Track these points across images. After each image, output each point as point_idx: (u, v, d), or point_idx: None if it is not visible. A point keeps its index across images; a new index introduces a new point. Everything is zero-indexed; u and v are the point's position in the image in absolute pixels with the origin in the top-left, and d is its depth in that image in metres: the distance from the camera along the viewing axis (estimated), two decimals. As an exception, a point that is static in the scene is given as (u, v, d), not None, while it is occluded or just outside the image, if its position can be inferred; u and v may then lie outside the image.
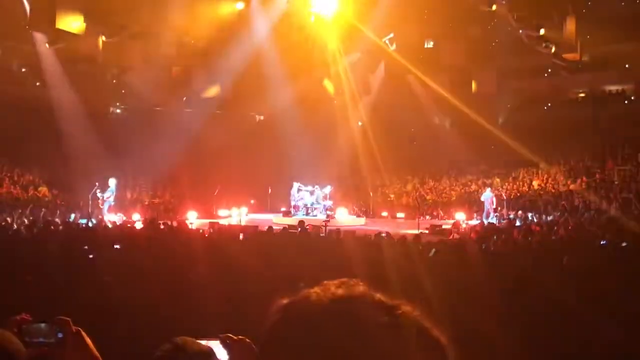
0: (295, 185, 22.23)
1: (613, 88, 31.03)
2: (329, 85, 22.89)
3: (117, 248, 8.27)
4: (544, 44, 18.90)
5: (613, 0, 27.11)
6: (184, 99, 24.50)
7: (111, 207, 18.16)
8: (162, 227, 11.68)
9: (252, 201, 21.70)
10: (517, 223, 16.98)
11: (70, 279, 5.63)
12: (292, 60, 24.63)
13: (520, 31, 17.85)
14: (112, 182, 18.37)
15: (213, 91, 23.76)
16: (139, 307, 5.07)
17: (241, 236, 9.70)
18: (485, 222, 18.79)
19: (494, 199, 20.69)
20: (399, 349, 0.85)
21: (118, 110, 32.33)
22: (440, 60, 23.65)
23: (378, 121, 34.42)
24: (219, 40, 22.08)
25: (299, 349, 0.86)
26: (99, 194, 17.83)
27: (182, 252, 7.45)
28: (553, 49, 19.19)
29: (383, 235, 11.05)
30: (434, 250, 8.76)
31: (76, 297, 5.13)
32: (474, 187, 24.88)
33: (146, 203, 21.19)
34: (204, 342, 1.78)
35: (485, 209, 20.73)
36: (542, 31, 17.17)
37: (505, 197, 20.54)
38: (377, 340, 0.85)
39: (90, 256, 6.88)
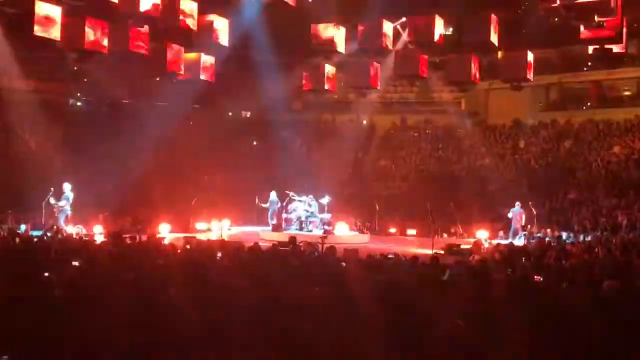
0: (273, 194, 22.21)
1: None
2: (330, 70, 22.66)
3: (75, 265, 8.27)
4: (582, 16, 18.72)
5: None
6: (157, 79, 24.31)
7: (68, 218, 18.07)
8: (128, 241, 11.68)
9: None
10: (550, 242, 16.98)
11: (19, 301, 5.63)
12: (286, 45, 24.59)
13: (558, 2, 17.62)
14: (66, 187, 18.14)
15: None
16: (98, 333, 5.06)
17: (219, 255, 9.67)
18: (513, 241, 18.82)
19: (523, 215, 20.70)
20: None
21: (78, 103, 32.36)
22: (461, 50, 23.49)
23: (386, 119, 34.63)
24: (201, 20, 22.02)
25: None
26: (52, 201, 17.72)
27: (152, 271, 7.45)
28: (596, 18, 18.97)
29: (390, 257, 11.07)
30: (448, 272, 8.76)
31: (24, 324, 5.12)
32: (497, 199, 24.77)
33: (109, 213, 21.11)
34: None
35: (513, 227, 20.72)
36: None
37: (535, 213, 20.56)
38: None
39: (46, 274, 6.89)
